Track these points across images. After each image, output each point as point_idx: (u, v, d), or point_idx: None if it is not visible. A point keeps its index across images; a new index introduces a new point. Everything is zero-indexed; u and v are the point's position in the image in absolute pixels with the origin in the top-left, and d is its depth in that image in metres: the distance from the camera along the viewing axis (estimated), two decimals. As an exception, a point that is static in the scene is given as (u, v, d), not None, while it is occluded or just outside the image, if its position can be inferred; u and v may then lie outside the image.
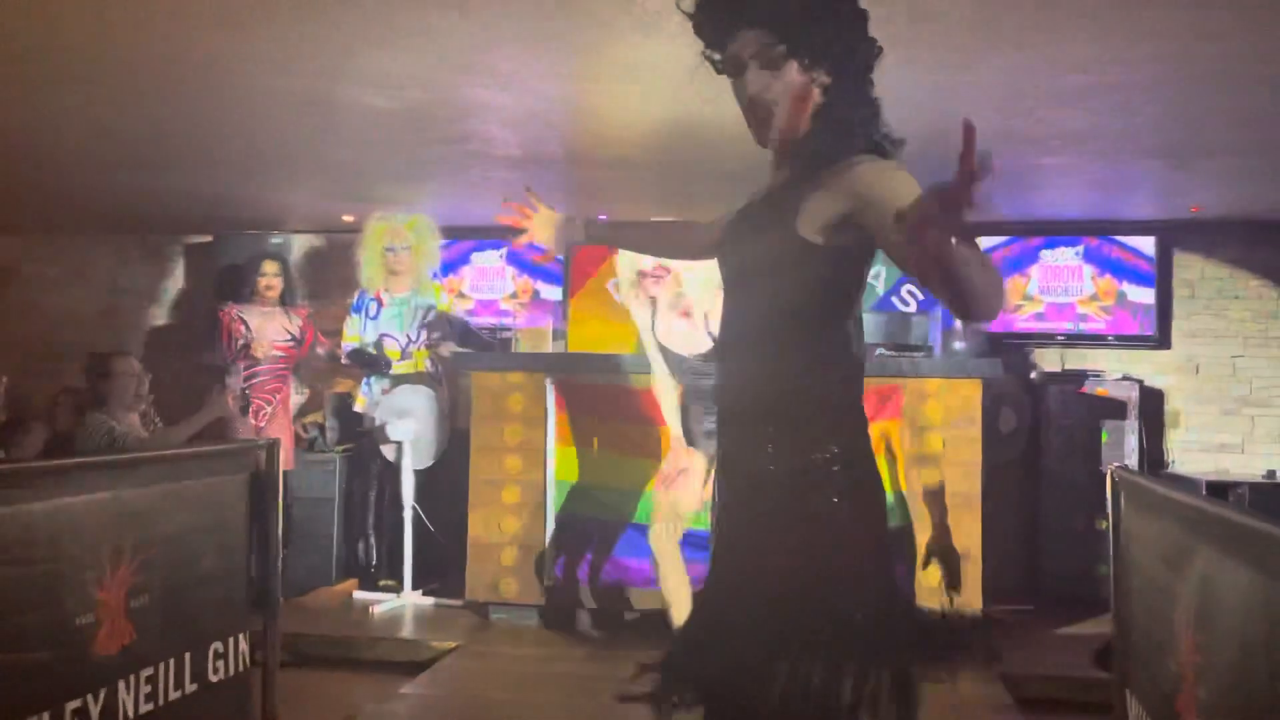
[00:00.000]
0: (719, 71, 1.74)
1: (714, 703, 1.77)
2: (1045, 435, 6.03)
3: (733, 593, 1.79)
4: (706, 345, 3.81)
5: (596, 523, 4.71)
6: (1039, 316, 6.61)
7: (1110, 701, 3.21)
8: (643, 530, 4.69)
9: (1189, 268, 6.56)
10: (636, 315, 3.99)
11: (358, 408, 5.60)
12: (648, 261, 3.84)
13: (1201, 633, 2.30)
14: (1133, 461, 5.86)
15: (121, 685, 2.62)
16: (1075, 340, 6.58)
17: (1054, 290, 6.61)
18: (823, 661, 1.64)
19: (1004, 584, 5.27)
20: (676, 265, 3.79)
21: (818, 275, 1.66)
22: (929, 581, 4.46)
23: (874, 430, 4.45)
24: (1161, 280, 6.48)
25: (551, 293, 7.13)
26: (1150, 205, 6.22)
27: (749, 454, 1.76)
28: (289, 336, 5.57)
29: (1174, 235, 6.50)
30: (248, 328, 5.54)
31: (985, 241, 6.61)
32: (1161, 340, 6.48)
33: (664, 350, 3.92)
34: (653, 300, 3.89)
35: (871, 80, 1.71)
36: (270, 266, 5.64)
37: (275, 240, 6.95)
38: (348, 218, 6.59)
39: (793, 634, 1.64)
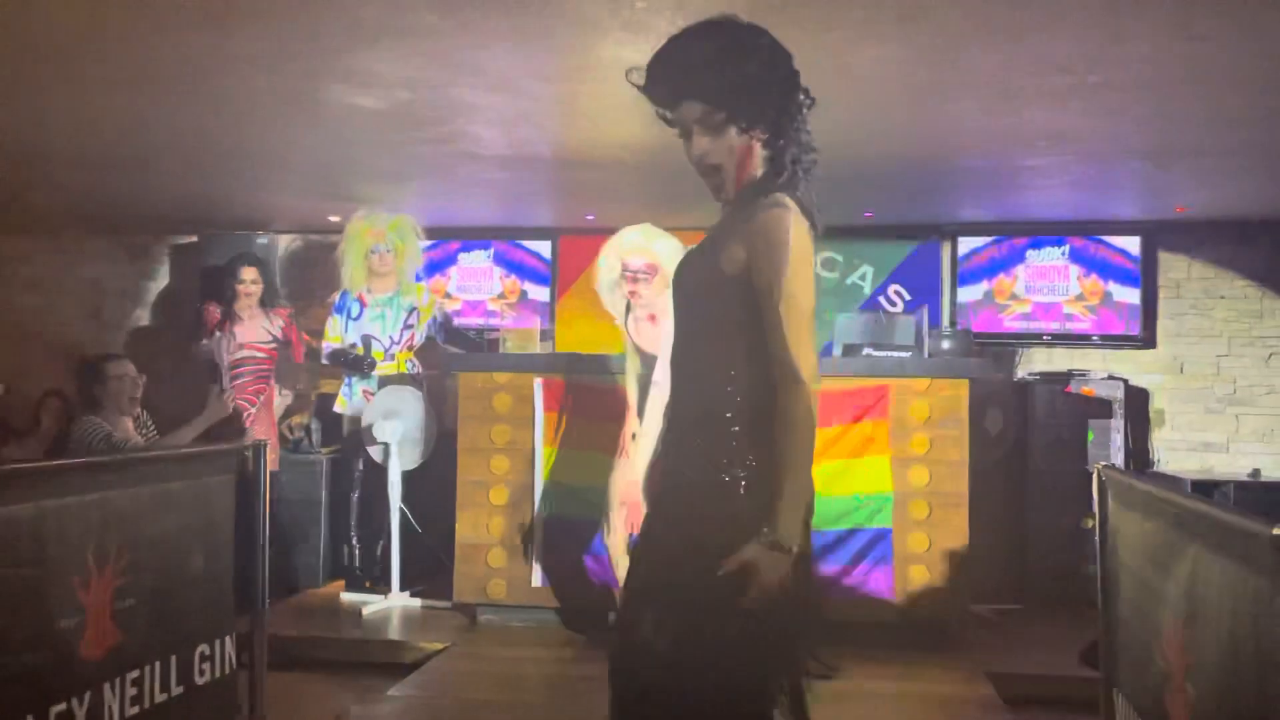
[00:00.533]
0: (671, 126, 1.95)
1: (622, 693, 1.91)
2: (1031, 434, 6.05)
3: (649, 592, 1.92)
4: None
5: (586, 523, 4.70)
6: (1025, 316, 6.65)
7: (1098, 700, 3.23)
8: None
9: (1174, 268, 6.60)
10: (614, 313, 4.09)
11: (338, 408, 5.56)
12: (636, 261, 3.88)
13: (1189, 630, 2.31)
14: (1119, 460, 5.89)
15: (107, 688, 2.60)
16: (1061, 340, 6.61)
17: (1040, 290, 6.64)
18: (732, 659, 1.78)
19: (991, 583, 5.29)
20: (667, 268, 3.81)
21: (739, 304, 1.86)
22: (915, 581, 4.48)
23: (861, 430, 4.52)
24: (1147, 280, 6.52)
25: (539, 293, 7.12)
26: (1136, 205, 6.26)
27: (683, 460, 1.95)
28: (270, 337, 5.54)
29: (1159, 235, 6.54)
30: (232, 325, 5.51)
31: (973, 241, 6.66)
32: (1147, 340, 6.52)
33: (637, 350, 4.02)
34: (629, 299, 3.98)
35: (807, 130, 1.95)
36: (248, 272, 5.57)
37: (260, 240, 6.92)
38: (334, 218, 6.57)
39: (704, 632, 1.78)
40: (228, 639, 3.19)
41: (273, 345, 5.56)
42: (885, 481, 4.51)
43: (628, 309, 4.06)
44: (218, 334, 5.52)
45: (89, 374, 4.59)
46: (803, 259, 1.80)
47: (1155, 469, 6.37)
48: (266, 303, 5.63)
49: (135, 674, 2.72)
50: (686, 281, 2.02)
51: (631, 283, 3.93)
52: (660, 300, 3.89)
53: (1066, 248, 6.60)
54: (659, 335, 3.92)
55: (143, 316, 7.52)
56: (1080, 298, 6.59)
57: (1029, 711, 3.80)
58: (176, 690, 2.91)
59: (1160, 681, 2.52)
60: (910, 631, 4.45)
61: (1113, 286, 6.55)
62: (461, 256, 7.17)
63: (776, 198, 1.86)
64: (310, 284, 7.06)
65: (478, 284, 7.20)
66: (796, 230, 1.82)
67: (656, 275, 3.89)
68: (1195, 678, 2.26)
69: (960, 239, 6.73)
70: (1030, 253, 6.66)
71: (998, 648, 4.60)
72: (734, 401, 1.86)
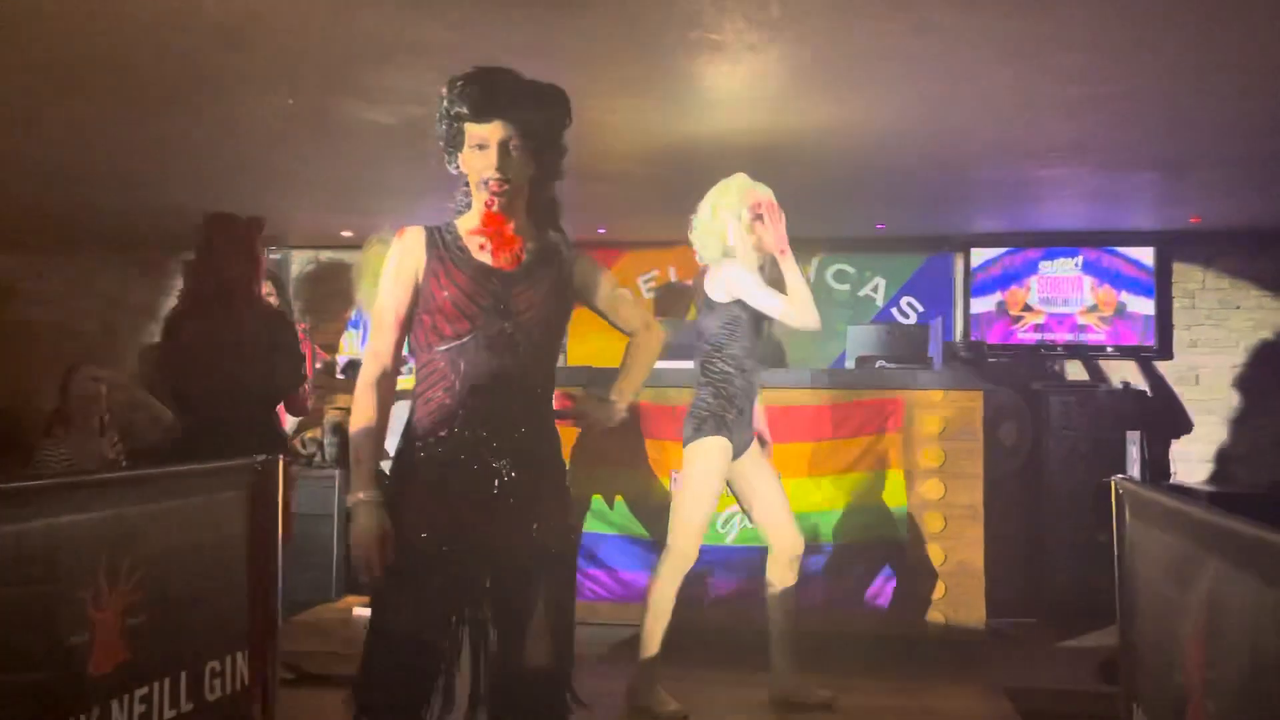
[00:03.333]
0: (475, 145, 2.15)
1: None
2: (1047, 446, 6.00)
3: None
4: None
5: (594, 536, 4.70)
6: (1039, 328, 6.60)
7: (1117, 715, 3.19)
8: (633, 542, 4.68)
9: (1189, 278, 6.56)
10: (740, 265, 3.72)
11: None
12: (759, 191, 3.67)
13: (1209, 646, 2.28)
14: (1135, 472, 5.84)
15: (115, 705, 2.59)
16: (1075, 351, 6.57)
17: (1054, 301, 6.60)
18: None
19: (1008, 597, 5.24)
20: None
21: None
22: (931, 595, 4.44)
23: (875, 443, 4.49)
24: (1161, 291, 6.48)
25: (551, 307, 7.12)
26: (1149, 216, 6.22)
27: None
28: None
29: (1173, 246, 6.50)
30: None
31: (986, 253, 6.63)
32: (1162, 350, 6.47)
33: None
34: (760, 241, 3.69)
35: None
36: (264, 287, 5.59)
37: (274, 256, 6.94)
38: (346, 233, 6.58)
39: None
40: (239, 655, 3.18)
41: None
42: (899, 494, 4.47)
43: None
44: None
45: (60, 386, 4.33)
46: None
47: (1173, 481, 6.31)
48: None
49: (144, 690, 2.71)
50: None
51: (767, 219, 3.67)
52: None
53: (1080, 259, 6.57)
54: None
55: (157, 332, 7.54)
56: (1094, 309, 6.54)
57: (1047, 727, 3.77)
58: (186, 707, 2.89)
59: (1180, 697, 2.48)
60: (926, 646, 4.41)
61: (1127, 297, 6.50)
62: (474, 271, 7.18)
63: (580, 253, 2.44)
64: (323, 299, 7.07)
65: (490, 298, 7.20)
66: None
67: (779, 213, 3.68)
68: (1215, 694, 2.23)
69: (973, 250, 6.69)
70: (1043, 264, 6.62)
71: (1015, 663, 4.56)
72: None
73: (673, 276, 7.01)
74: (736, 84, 3.89)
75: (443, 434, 2.12)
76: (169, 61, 3.66)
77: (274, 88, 3.94)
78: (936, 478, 4.47)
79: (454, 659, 2.14)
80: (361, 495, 2.09)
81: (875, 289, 6.81)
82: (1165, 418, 6.42)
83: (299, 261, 7.25)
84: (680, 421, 4.69)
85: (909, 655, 4.29)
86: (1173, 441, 6.45)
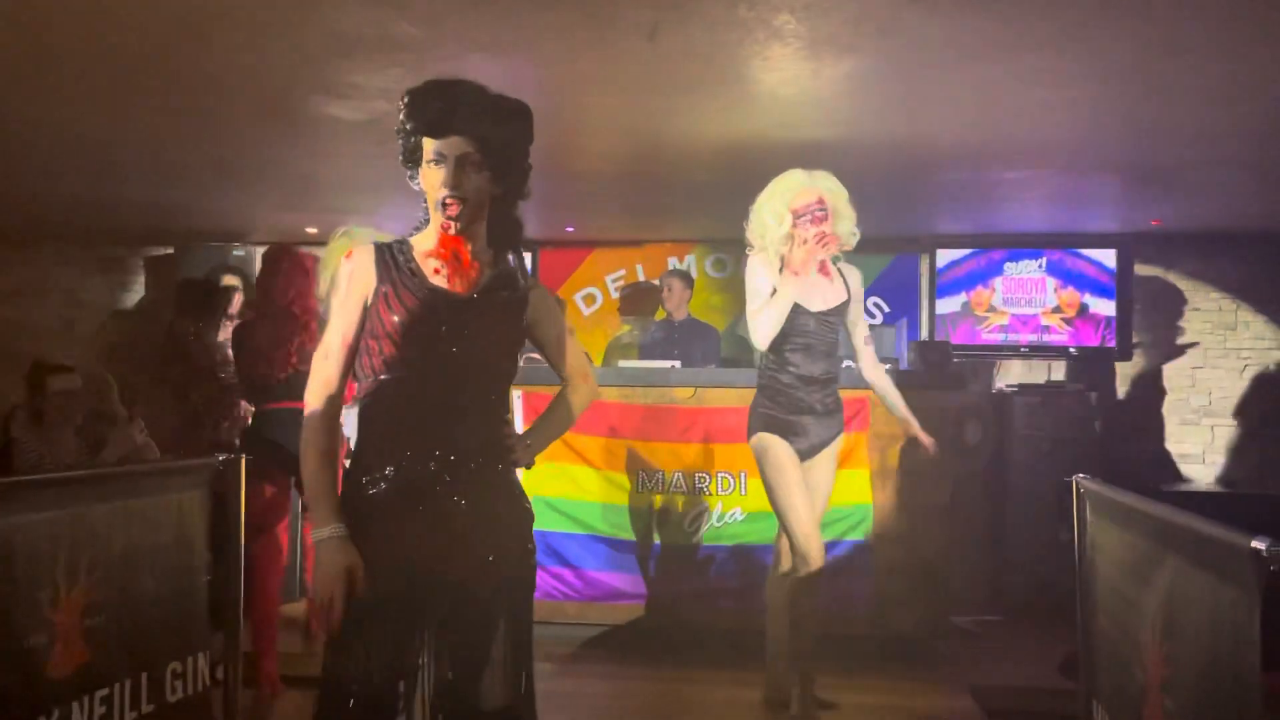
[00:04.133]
0: (431, 161, 2.04)
1: None
2: (1010, 446, 6.07)
3: None
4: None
5: (560, 536, 4.70)
6: (1003, 329, 6.67)
7: (1077, 711, 3.23)
8: (606, 543, 4.67)
9: (1149, 280, 6.66)
10: (757, 259, 3.52)
11: None
12: (800, 201, 3.44)
13: (1167, 643, 2.31)
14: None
15: (75, 707, 2.56)
16: (1038, 352, 6.65)
17: (1018, 302, 6.67)
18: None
19: (970, 595, 5.29)
20: (832, 204, 3.47)
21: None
22: (895, 593, 4.47)
23: (843, 443, 4.51)
24: (1122, 292, 6.57)
25: (519, 305, 7.09)
26: (1112, 218, 6.31)
27: None
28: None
29: (1135, 248, 6.59)
30: (205, 345, 5.45)
31: (951, 254, 6.68)
32: (1122, 352, 6.56)
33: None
34: (809, 246, 3.44)
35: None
36: (233, 279, 5.58)
37: (237, 253, 6.87)
38: (311, 229, 6.52)
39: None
40: (201, 656, 3.14)
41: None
42: (865, 493, 4.50)
43: (781, 268, 3.51)
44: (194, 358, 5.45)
45: (34, 382, 4.37)
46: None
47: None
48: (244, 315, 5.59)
49: (104, 692, 2.67)
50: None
51: (815, 223, 3.42)
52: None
53: (1044, 260, 6.65)
54: (833, 291, 3.56)
55: (116, 329, 7.43)
56: (1057, 310, 6.63)
57: (1009, 724, 3.81)
58: (147, 708, 2.86)
59: (1139, 694, 2.52)
60: (890, 644, 4.45)
61: (1089, 299, 6.59)
62: (441, 268, 7.14)
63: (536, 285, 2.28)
64: (288, 296, 7.00)
65: (457, 296, 7.17)
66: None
67: (830, 215, 3.46)
68: (1173, 690, 2.26)
69: (939, 251, 6.75)
70: (1008, 265, 6.69)
71: (977, 660, 4.61)
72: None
73: (640, 276, 7.01)
74: (707, 83, 3.89)
75: (389, 469, 1.98)
76: (129, 54, 3.61)
77: (237, 83, 3.90)
78: (902, 476, 4.50)
79: (411, 702, 2.02)
80: (327, 531, 1.95)
81: (842, 289, 6.85)
82: (1125, 419, 6.52)
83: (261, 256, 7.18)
84: (651, 421, 4.72)
85: (872, 653, 4.32)
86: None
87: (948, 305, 6.74)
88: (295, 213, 6.25)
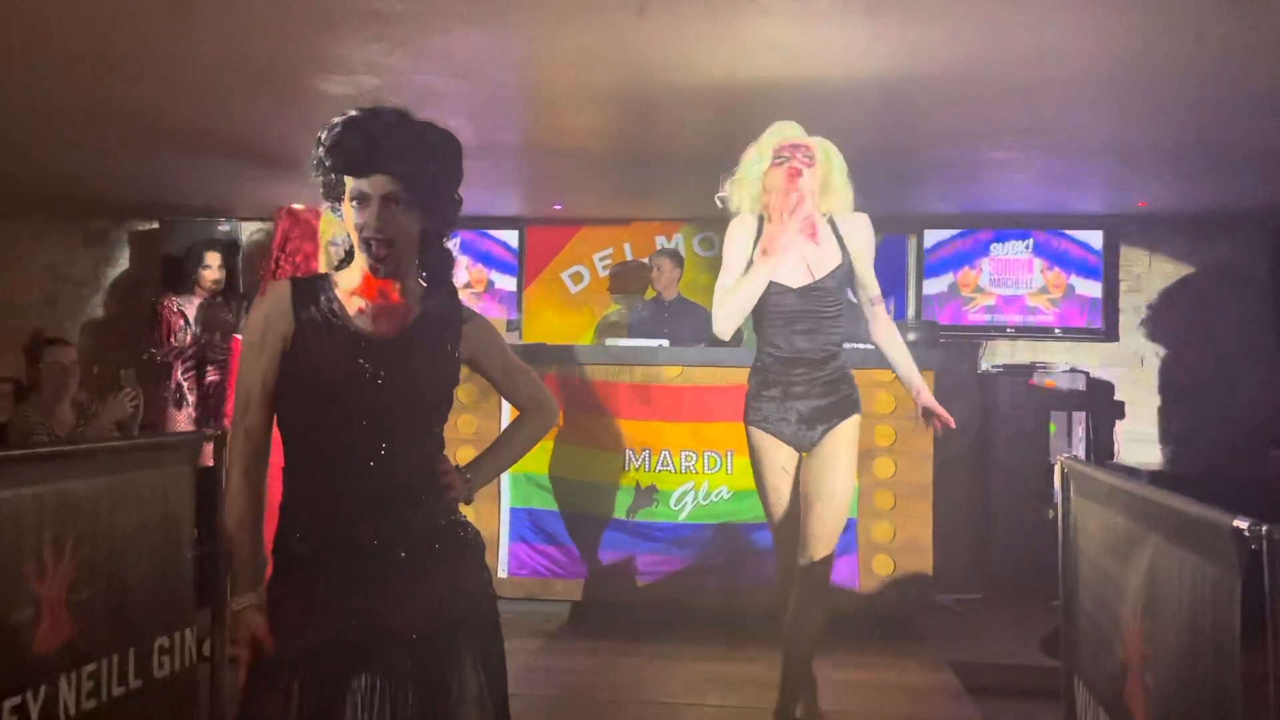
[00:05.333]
0: (354, 200, 1.91)
1: None
2: (995, 426, 6.11)
3: None
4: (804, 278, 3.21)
5: (550, 514, 4.71)
6: (989, 309, 6.70)
7: (1058, 688, 3.26)
8: (593, 520, 4.69)
9: (1135, 262, 6.68)
10: (738, 221, 3.19)
11: None
12: (786, 141, 3.13)
13: (1148, 620, 2.34)
14: (1080, 452, 5.96)
15: (63, 681, 2.56)
16: (1024, 333, 6.68)
17: (1005, 283, 6.69)
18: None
19: (954, 573, 5.34)
20: (823, 165, 3.16)
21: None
22: (879, 572, 4.51)
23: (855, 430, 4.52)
24: (1108, 274, 6.59)
25: (506, 283, 7.08)
26: (1098, 200, 6.32)
27: None
28: (233, 328, 5.48)
29: (1121, 229, 6.61)
30: (187, 321, 5.43)
31: (939, 234, 6.69)
32: (1109, 333, 6.59)
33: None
34: (780, 202, 3.08)
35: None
36: (213, 258, 5.53)
37: (223, 228, 6.83)
38: (297, 205, 6.47)
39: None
40: (188, 631, 3.15)
41: (235, 336, 5.50)
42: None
43: (759, 230, 3.17)
44: (175, 334, 5.42)
45: (33, 355, 4.47)
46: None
47: (1117, 460, 6.45)
48: (231, 291, 5.57)
49: (91, 667, 2.68)
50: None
51: (792, 176, 3.04)
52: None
53: (1030, 241, 6.66)
54: (822, 257, 3.20)
55: (100, 304, 7.39)
56: (1043, 290, 6.65)
57: (992, 700, 3.84)
58: (135, 683, 2.87)
59: (1119, 671, 2.55)
60: (874, 621, 4.48)
61: (1075, 280, 6.61)
62: (427, 245, 7.11)
63: (469, 311, 2.13)
64: (273, 272, 6.96)
65: (444, 273, 7.14)
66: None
67: (815, 167, 3.10)
68: (1153, 667, 2.29)
69: (926, 232, 6.76)
70: (995, 246, 6.71)
71: (961, 637, 4.65)
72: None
73: (628, 254, 7.00)
74: (696, 59, 3.88)
75: (320, 523, 1.86)
76: (116, 24, 3.57)
77: (223, 56, 3.86)
78: (887, 456, 4.53)
79: None
80: (242, 601, 1.85)
81: (829, 269, 6.85)
82: (1109, 399, 6.56)
83: (248, 231, 7.14)
84: (638, 399, 4.72)
85: (857, 629, 4.35)
86: (1117, 422, 6.59)
87: (935, 286, 6.76)
88: (279, 186, 6.20)
